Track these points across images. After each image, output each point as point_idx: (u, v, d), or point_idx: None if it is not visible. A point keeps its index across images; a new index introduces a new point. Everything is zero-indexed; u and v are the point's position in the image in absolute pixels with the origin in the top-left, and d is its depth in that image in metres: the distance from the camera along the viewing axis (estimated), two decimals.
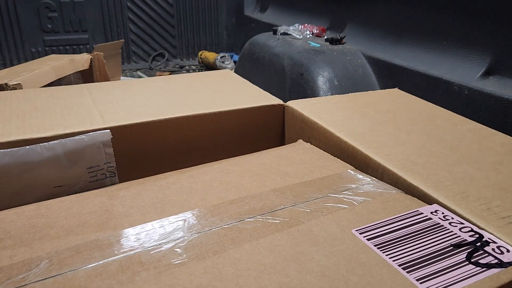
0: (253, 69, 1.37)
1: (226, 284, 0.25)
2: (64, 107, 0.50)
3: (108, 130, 0.42)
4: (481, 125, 0.51)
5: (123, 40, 1.62)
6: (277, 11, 1.79)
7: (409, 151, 0.42)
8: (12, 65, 1.79)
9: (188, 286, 0.25)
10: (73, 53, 1.73)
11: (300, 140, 0.48)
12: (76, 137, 0.41)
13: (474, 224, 0.30)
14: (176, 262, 0.27)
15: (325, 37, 1.28)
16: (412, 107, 0.56)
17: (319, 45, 1.18)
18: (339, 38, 1.21)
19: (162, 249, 0.28)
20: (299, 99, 0.56)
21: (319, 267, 0.26)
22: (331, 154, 0.45)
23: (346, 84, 1.12)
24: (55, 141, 0.40)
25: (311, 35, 1.30)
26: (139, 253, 0.28)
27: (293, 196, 0.34)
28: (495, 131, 0.50)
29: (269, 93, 0.59)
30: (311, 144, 0.47)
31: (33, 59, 1.67)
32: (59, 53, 1.90)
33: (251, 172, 0.39)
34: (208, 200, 0.34)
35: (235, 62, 1.93)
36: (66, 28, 1.91)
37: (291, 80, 1.17)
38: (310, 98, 0.57)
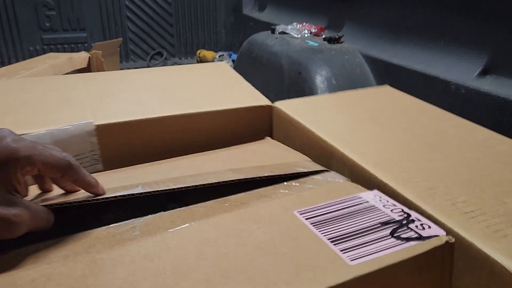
0: (251, 68, 1.40)
1: (170, 254, 0.29)
2: (59, 101, 0.54)
3: (92, 121, 0.47)
4: (467, 121, 0.52)
5: (121, 38, 1.67)
6: (276, 10, 1.83)
7: (386, 149, 0.44)
8: (10, 63, 1.85)
9: (136, 255, 0.29)
10: (71, 52, 1.79)
11: (268, 138, 0.51)
12: (62, 127, 0.46)
13: (436, 220, 0.33)
14: (128, 237, 0.31)
15: (323, 36, 1.30)
16: (399, 105, 0.57)
17: (317, 44, 1.21)
18: (337, 37, 1.24)
19: (118, 225, 0.32)
20: (287, 100, 0.57)
21: (256, 241, 0.30)
22: (312, 154, 0.47)
23: (344, 83, 1.14)
24: (43, 131, 0.45)
25: (309, 34, 1.33)
26: (96, 230, 0.32)
27: (245, 174, 0.38)
28: (480, 126, 0.51)
29: (259, 92, 0.60)
30: (295, 144, 0.50)
31: (31, 57, 1.73)
32: (57, 51, 1.97)
33: (215, 160, 0.43)
34: (167, 176, 0.38)
35: (233, 61, 1.97)
36: (64, 27, 1.98)
37: (289, 79, 1.20)
38: (298, 98, 0.58)
